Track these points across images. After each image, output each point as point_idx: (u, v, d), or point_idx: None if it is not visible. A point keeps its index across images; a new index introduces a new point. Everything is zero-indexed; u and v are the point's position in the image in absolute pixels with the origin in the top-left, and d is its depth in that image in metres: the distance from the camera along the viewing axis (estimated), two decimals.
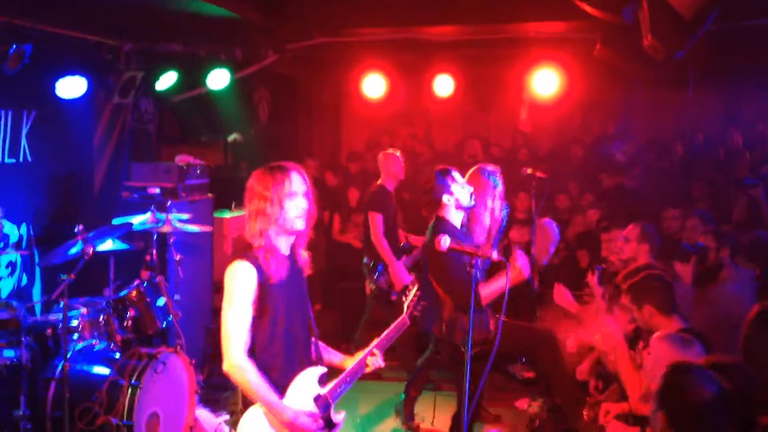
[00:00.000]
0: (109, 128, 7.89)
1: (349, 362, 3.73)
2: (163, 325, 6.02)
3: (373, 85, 9.21)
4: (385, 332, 3.84)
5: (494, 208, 5.48)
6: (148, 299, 5.89)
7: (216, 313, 7.92)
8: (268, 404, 3.36)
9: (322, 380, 3.62)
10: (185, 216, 6.47)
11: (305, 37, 8.01)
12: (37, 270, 7.08)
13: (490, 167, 5.63)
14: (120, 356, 5.48)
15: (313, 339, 3.68)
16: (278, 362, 3.44)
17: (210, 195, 7.75)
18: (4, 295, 6.64)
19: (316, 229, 3.79)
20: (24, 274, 6.97)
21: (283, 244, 3.52)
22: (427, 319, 5.46)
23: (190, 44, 7.78)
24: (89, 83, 6.95)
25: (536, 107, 10.49)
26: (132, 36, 7.37)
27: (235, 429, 3.41)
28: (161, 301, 5.99)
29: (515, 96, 10.39)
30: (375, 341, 3.79)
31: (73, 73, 6.81)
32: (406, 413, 6.41)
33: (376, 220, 7.14)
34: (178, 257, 6.41)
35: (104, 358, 5.53)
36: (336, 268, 9.35)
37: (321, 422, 3.52)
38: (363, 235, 7.58)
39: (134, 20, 7.02)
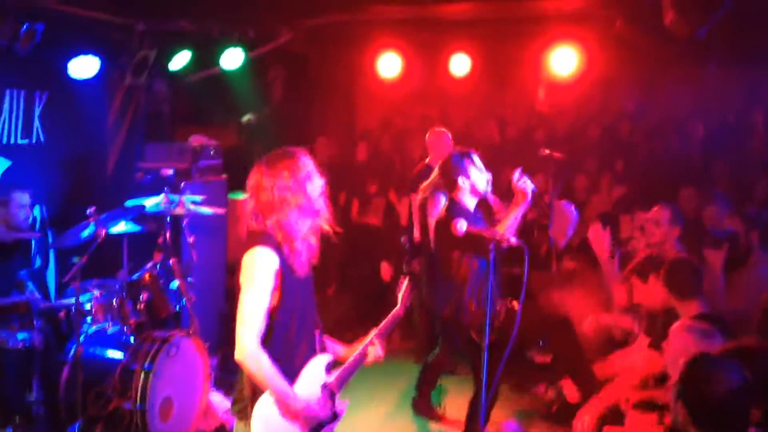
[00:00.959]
0: (122, 109, 7.83)
1: (351, 352, 3.71)
2: (177, 309, 5.98)
3: (388, 64, 9.10)
4: (382, 323, 3.82)
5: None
6: (162, 282, 5.85)
7: (230, 295, 7.94)
8: (279, 393, 3.31)
9: (329, 368, 3.61)
10: (199, 197, 6.42)
11: (319, 15, 7.89)
12: (51, 252, 7.05)
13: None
14: (133, 340, 5.45)
15: (317, 331, 3.65)
16: (290, 352, 3.40)
17: (224, 176, 7.70)
18: (18, 276, 6.63)
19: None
20: (38, 256, 6.94)
21: (305, 231, 3.45)
22: (437, 302, 5.41)
23: (204, 23, 7.69)
24: (102, 63, 6.89)
25: (554, 86, 10.33)
26: (145, 15, 7.27)
27: (240, 418, 3.37)
28: (174, 284, 5.95)
29: (533, 75, 10.23)
30: (373, 331, 3.77)
31: (85, 53, 6.75)
32: (425, 408, 6.29)
33: (411, 202, 6.99)
34: (191, 239, 6.35)
35: (117, 342, 5.51)
36: (351, 252, 9.24)
37: (330, 411, 3.50)
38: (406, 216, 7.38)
39: None
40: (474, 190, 5.04)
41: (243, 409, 3.40)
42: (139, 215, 6.07)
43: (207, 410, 5.70)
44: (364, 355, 3.69)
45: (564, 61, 8.46)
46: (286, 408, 3.34)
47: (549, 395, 6.14)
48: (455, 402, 6.25)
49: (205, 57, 8.04)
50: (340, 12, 7.84)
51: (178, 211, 6.09)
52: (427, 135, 7.28)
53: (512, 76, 10.71)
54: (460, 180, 4.99)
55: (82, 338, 5.20)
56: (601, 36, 8.03)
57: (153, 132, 8.17)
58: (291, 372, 3.41)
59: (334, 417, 3.58)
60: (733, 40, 7.32)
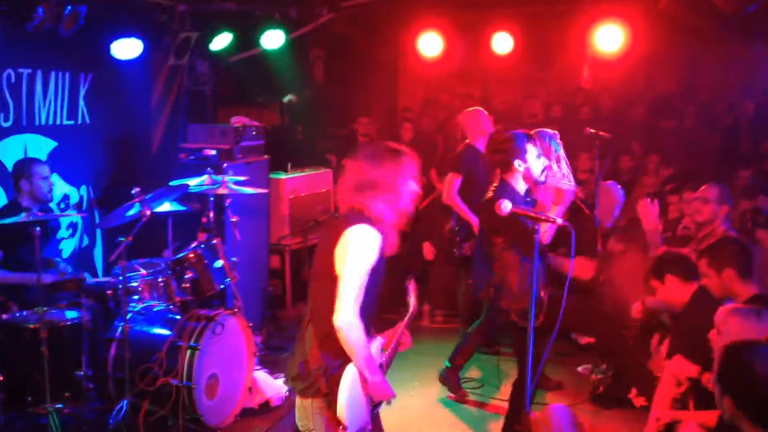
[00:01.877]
0: (165, 90, 7.88)
1: (389, 339, 3.80)
2: (221, 287, 6.03)
3: (430, 44, 9.01)
4: (407, 317, 3.90)
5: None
6: (206, 261, 5.89)
7: (273, 274, 7.99)
8: (367, 364, 3.42)
9: (380, 351, 3.68)
10: (241, 178, 6.45)
11: None
12: (98, 232, 7.16)
13: (550, 131, 5.39)
14: (179, 318, 5.51)
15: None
16: (365, 329, 3.48)
17: (266, 156, 7.72)
18: (66, 255, 6.75)
19: None
20: (85, 236, 7.06)
21: (394, 221, 3.60)
22: (479, 283, 5.38)
23: (245, 4, 7.69)
24: (144, 45, 6.92)
25: (598, 64, 10.17)
26: None
27: (306, 395, 3.43)
28: (219, 263, 5.99)
29: (576, 53, 10.08)
30: (402, 322, 3.86)
31: (128, 35, 6.78)
32: (453, 383, 6.22)
33: (451, 182, 6.92)
34: (234, 219, 6.39)
35: (163, 320, 5.56)
36: None
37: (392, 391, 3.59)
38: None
39: None
40: (528, 175, 4.93)
41: (311, 386, 3.43)
42: (183, 195, 6.13)
43: (252, 387, 5.77)
44: (398, 344, 3.81)
45: (609, 38, 8.29)
46: (365, 380, 3.43)
47: (594, 376, 6.07)
48: (499, 383, 6.22)
49: (247, 38, 8.05)
50: None
51: (221, 191, 6.12)
52: (461, 115, 7.21)
53: (555, 54, 10.57)
54: (516, 163, 4.89)
55: (129, 316, 5.26)
56: (646, 13, 7.85)
57: (196, 113, 8.23)
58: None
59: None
60: None
